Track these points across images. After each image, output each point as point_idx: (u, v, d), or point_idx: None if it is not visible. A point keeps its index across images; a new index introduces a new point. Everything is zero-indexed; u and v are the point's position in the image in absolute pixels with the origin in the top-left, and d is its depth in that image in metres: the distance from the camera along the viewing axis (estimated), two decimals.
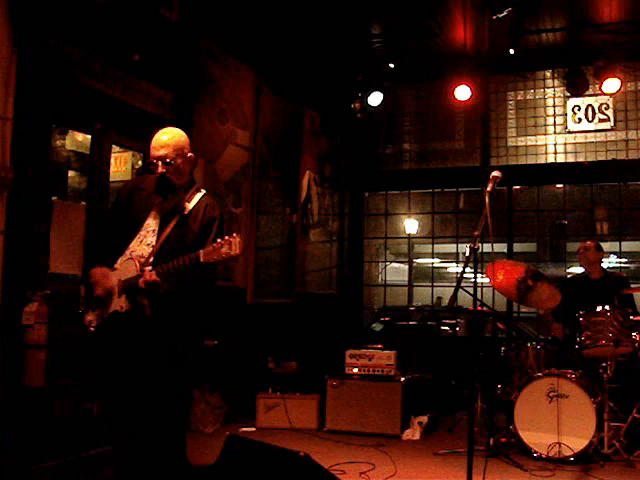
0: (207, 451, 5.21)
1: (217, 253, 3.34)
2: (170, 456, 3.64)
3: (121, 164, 6.49)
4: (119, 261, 3.70)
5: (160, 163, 3.64)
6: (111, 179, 5.86)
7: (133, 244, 3.68)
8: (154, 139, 3.71)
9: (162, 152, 3.65)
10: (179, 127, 3.90)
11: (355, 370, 6.73)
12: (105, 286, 3.64)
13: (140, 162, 6.50)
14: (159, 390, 3.58)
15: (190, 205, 3.71)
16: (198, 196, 3.74)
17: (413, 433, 6.47)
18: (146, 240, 3.67)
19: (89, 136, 5.72)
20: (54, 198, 5.32)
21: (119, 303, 3.60)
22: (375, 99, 8.90)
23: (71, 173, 6.36)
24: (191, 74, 6.60)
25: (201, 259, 3.37)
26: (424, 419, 6.64)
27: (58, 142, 5.98)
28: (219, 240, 3.36)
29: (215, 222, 3.73)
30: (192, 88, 6.62)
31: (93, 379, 4.73)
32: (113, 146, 5.96)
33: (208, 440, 5.93)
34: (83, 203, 5.68)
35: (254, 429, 6.59)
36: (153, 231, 3.67)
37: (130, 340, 3.60)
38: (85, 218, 5.41)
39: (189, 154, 3.78)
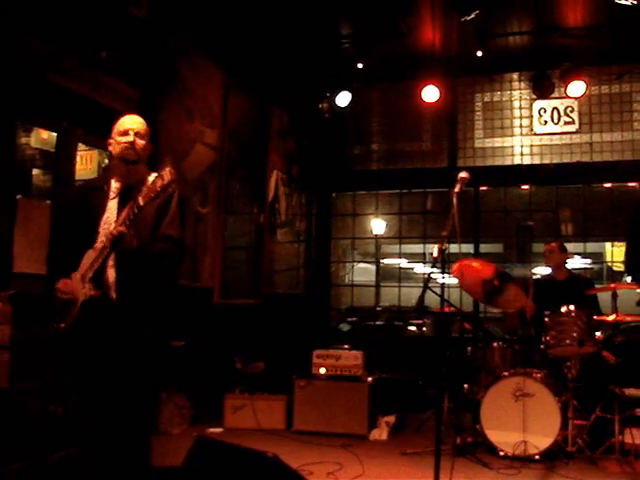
0: (174, 452, 5.15)
1: (153, 190, 3.45)
2: (135, 457, 3.63)
3: (87, 162, 6.42)
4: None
5: (132, 133, 3.77)
6: (77, 177, 5.79)
7: (98, 241, 3.68)
8: (125, 117, 3.87)
9: (137, 126, 3.81)
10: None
11: (322, 370, 6.73)
12: (69, 288, 3.64)
13: (106, 160, 6.43)
14: (128, 384, 3.59)
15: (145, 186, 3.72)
16: (153, 176, 3.74)
17: (380, 433, 6.49)
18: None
19: (54, 134, 5.65)
20: (18, 196, 5.24)
21: (84, 291, 3.60)
22: (343, 99, 8.91)
23: (36, 171, 6.29)
24: (159, 72, 6.55)
25: (141, 203, 3.46)
26: (391, 419, 6.67)
27: (23, 140, 5.90)
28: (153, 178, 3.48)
29: (175, 192, 3.81)
30: (160, 86, 6.57)
31: (59, 380, 4.67)
32: (79, 144, 5.89)
33: (175, 441, 5.87)
34: (48, 201, 5.61)
35: (221, 430, 6.56)
36: (115, 221, 3.67)
37: (101, 330, 3.59)
38: (50, 217, 5.33)
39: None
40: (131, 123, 3.82)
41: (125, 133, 3.77)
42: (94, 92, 5.72)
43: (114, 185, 3.80)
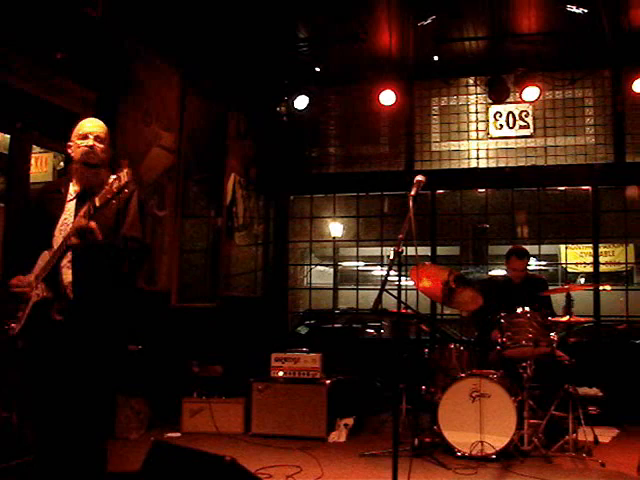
0: (131, 458, 5.11)
1: (109, 192, 3.47)
2: (90, 463, 3.60)
3: (42, 165, 6.33)
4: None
5: (92, 137, 3.77)
6: (32, 180, 5.70)
7: (55, 243, 3.64)
8: (85, 121, 3.88)
9: (97, 130, 3.82)
10: None
11: (281, 373, 6.72)
12: (23, 283, 3.62)
13: (62, 163, 6.35)
14: (83, 387, 3.57)
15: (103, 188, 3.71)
16: (112, 178, 3.71)
17: (339, 435, 6.51)
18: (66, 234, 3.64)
19: (8, 136, 5.56)
20: None
21: (37, 292, 3.59)
22: (301, 103, 8.92)
23: None
24: (115, 74, 6.47)
25: (97, 203, 3.47)
26: (350, 421, 6.69)
27: None
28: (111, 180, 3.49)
29: (134, 194, 3.84)
30: (116, 88, 6.49)
31: (14, 387, 4.60)
32: (34, 146, 5.81)
33: (132, 446, 5.83)
34: (1, 205, 5.51)
35: (179, 434, 6.51)
36: (71, 223, 3.64)
37: (53, 332, 3.56)
38: (4, 220, 5.24)
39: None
40: (91, 127, 3.82)
41: (85, 137, 3.77)
42: (48, 93, 5.64)
43: (73, 188, 3.79)
